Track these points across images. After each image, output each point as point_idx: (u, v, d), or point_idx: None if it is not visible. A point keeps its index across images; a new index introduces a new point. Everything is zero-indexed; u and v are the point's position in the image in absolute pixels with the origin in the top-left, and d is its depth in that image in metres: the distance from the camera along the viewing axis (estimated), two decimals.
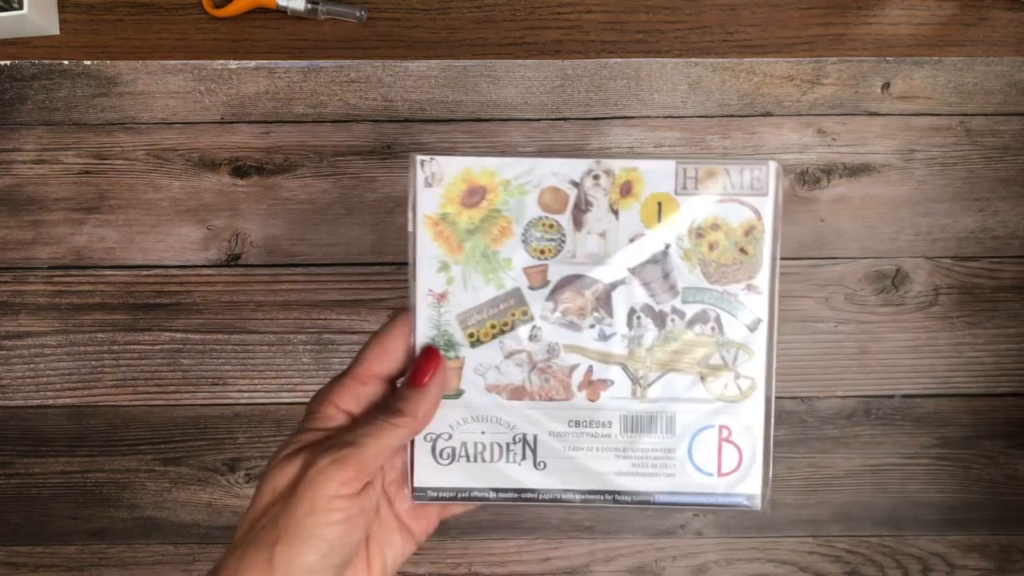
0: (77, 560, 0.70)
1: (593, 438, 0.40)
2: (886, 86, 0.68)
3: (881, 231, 0.69)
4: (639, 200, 0.39)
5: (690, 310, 0.40)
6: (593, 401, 0.40)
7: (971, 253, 0.69)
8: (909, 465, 0.70)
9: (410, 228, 0.39)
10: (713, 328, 0.40)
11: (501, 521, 0.70)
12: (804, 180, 0.69)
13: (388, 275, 0.69)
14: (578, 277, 0.40)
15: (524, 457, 0.40)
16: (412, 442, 0.40)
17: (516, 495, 0.40)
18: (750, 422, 0.40)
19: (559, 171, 0.39)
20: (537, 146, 0.68)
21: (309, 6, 0.66)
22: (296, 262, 0.69)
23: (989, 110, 0.68)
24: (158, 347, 0.69)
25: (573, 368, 0.40)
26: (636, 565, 0.71)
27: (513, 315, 0.40)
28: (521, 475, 0.40)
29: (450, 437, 0.40)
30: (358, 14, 0.67)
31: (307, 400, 0.39)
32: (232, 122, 0.68)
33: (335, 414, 0.38)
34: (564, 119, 0.68)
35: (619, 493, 0.40)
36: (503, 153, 0.41)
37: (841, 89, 0.68)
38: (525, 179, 0.39)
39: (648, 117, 0.68)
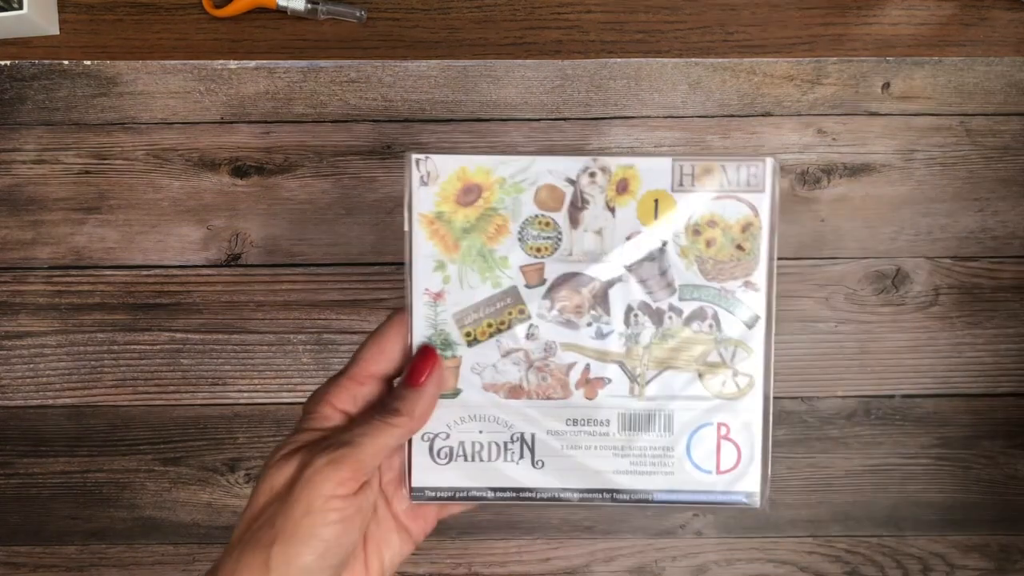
0: (77, 560, 0.70)
1: (591, 436, 0.40)
2: (886, 86, 0.68)
3: (881, 231, 0.69)
4: (635, 197, 0.39)
5: (687, 307, 0.40)
6: (591, 399, 0.40)
7: (971, 253, 0.69)
8: (909, 465, 0.70)
9: (406, 227, 0.39)
10: (711, 325, 0.40)
11: (501, 521, 0.70)
12: (804, 180, 0.69)
13: (388, 275, 0.69)
14: (575, 275, 0.40)
15: (522, 456, 0.40)
16: (409, 442, 0.40)
17: (514, 494, 0.40)
18: (748, 419, 0.40)
19: (555, 169, 0.39)
20: (537, 146, 0.68)
21: (309, 6, 0.66)
22: (296, 262, 0.69)
23: (989, 110, 0.68)
24: (158, 347, 0.69)
25: (570, 366, 0.40)
26: (636, 565, 0.70)
27: (510, 314, 0.40)
28: (519, 474, 0.40)
29: (447, 436, 0.40)
30: (358, 14, 0.67)
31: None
32: (232, 122, 0.68)
33: (332, 414, 0.37)
34: (564, 119, 0.68)
35: (617, 491, 0.40)
36: (501, 152, 0.41)
37: (841, 89, 0.68)
38: (521, 177, 0.39)
39: (648, 117, 0.68)
